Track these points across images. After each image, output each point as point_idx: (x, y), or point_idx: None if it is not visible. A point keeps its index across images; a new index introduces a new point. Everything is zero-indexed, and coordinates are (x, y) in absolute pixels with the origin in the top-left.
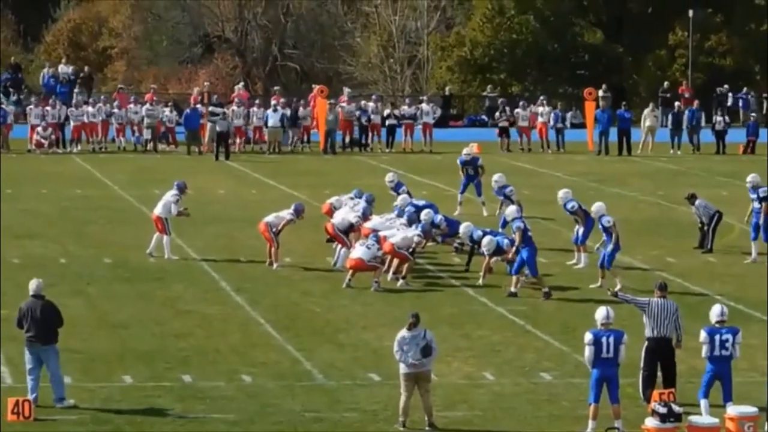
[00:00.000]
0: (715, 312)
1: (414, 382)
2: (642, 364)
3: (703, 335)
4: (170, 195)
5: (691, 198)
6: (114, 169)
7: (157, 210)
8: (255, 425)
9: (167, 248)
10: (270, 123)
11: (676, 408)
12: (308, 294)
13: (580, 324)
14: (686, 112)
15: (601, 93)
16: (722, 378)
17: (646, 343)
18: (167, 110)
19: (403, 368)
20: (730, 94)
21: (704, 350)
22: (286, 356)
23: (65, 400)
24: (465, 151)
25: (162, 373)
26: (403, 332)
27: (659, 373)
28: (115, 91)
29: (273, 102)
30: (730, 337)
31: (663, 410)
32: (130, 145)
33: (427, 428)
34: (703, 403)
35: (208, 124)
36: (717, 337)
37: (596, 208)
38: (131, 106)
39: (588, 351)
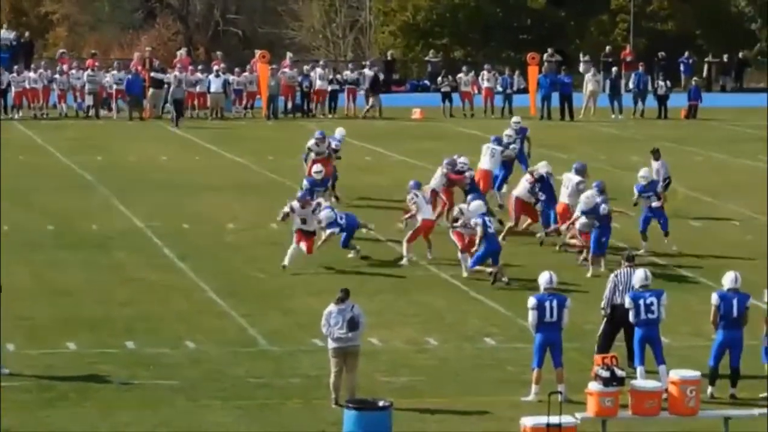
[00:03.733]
0: (638, 276)
1: (343, 358)
2: (601, 330)
3: (627, 300)
4: None
5: (656, 153)
6: (56, 136)
7: None
8: (199, 391)
9: None
10: (212, 89)
11: (619, 372)
12: (253, 261)
13: (525, 289)
14: (631, 76)
15: (546, 57)
16: (651, 341)
17: (609, 311)
18: (108, 76)
19: (330, 343)
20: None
21: (631, 315)
22: (230, 322)
23: (1, 368)
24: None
25: (106, 340)
26: (331, 307)
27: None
28: (57, 57)
29: (215, 68)
30: (654, 300)
31: (606, 374)
32: (71, 112)
33: (345, 402)
34: (639, 369)
35: (150, 90)
36: (641, 301)
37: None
38: (73, 72)
39: (531, 315)
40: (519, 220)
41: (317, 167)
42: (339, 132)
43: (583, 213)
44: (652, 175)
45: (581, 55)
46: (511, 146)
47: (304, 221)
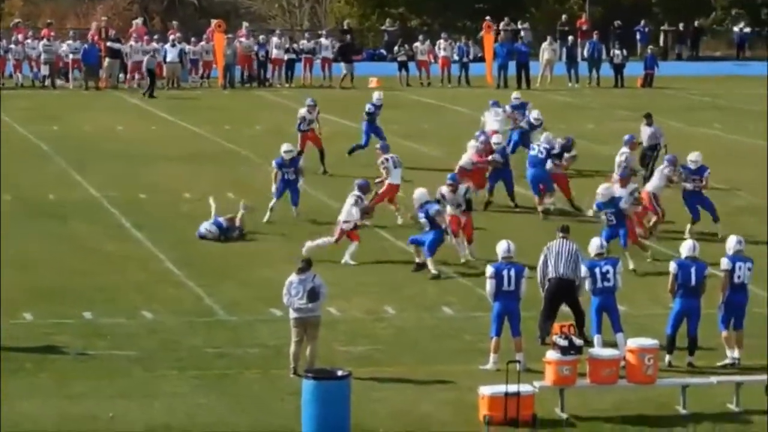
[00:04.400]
0: (594, 245)
1: (303, 328)
2: (542, 305)
3: (583, 270)
4: None
5: (648, 118)
6: (11, 106)
7: None
8: (156, 361)
9: None
10: (168, 58)
11: (577, 341)
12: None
13: (481, 258)
14: (587, 44)
15: (502, 26)
16: (608, 309)
17: (547, 285)
18: (64, 46)
19: (291, 313)
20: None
21: (587, 284)
22: (187, 292)
23: None
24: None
25: (63, 310)
26: (292, 277)
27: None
28: (12, 27)
29: (171, 37)
30: (610, 268)
31: (564, 343)
32: (27, 81)
33: (304, 372)
34: (596, 338)
35: (106, 60)
36: (597, 269)
37: None
38: (29, 41)
39: (489, 284)
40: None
41: (287, 146)
42: (376, 96)
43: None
44: (641, 138)
45: (519, 23)
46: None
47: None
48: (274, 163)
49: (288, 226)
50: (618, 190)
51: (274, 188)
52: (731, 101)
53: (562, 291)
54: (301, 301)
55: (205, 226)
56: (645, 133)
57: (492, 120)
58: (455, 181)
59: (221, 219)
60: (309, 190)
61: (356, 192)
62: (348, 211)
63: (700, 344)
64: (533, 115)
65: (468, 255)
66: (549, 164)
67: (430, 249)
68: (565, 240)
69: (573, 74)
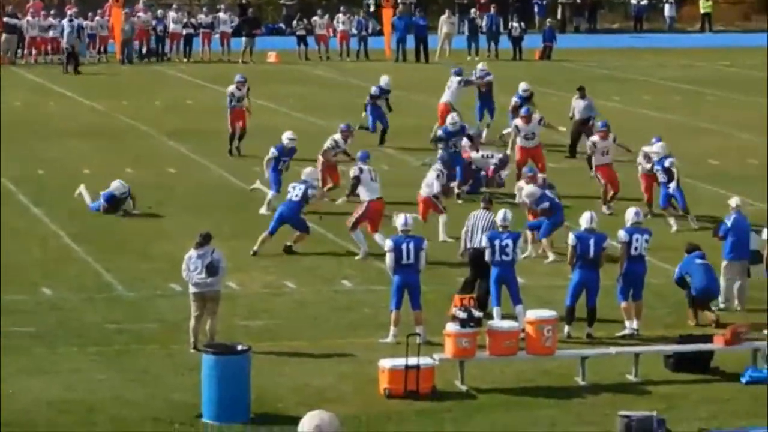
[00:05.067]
0: (498, 217)
1: (202, 302)
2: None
3: (484, 240)
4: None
5: (581, 91)
6: None
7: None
8: (57, 338)
9: None
10: (65, 34)
11: (476, 313)
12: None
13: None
14: (485, 17)
15: None
16: (507, 282)
17: (468, 256)
18: None
19: (190, 288)
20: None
21: (487, 254)
22: (86, 268)
23: None
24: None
25: None
26: (191, 251)
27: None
28: None
29: (68, 12)
30: (510, 242)
31: (463, 315)
32: None
33: (204, 346)
34: (495, 310)
35: (3, 36)
36: (498, 242)
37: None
38: None
39: (389, 258)
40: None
41: (290, 134)
42: (384, 80)
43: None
44: (573, 113)
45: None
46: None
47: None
48: (273, 149)
49: (187, 200)
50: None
51: (268, 176)
52: (629, 73)
53: (478, 261)
54: (200, 276)
55: (98, 203)
56: (579, 106)
57: (447, 92)
58: None
59: (112, 190)
60: (210, 166)
61: (438, 166)
62: (430, 185)
63: (599, 315)
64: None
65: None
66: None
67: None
68: (486, 211)
69: (473, 47)
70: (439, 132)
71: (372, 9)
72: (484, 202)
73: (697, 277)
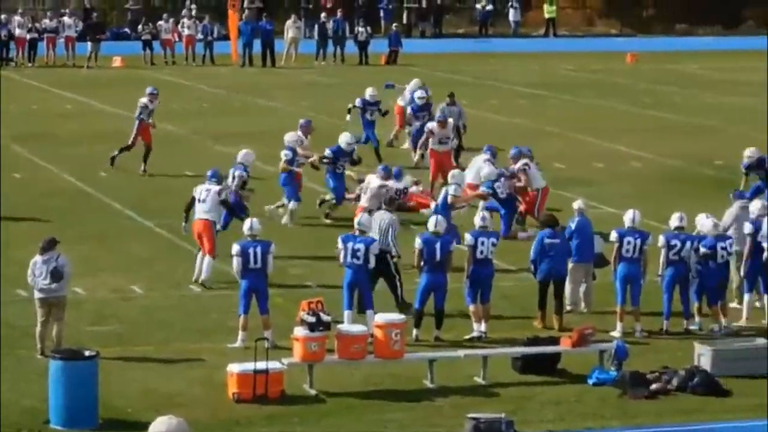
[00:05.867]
0: (355, 221)
1: (48, 308)
2: None
3: (339, 242)
4: None
5: (451, 97)
6: None
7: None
8: None
9: None
10: None
11: (325, 317)
12: None
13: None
14: (331, 22)
15: (246, 4)
16: (359, 285)
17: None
18: None
19: (36, 294)
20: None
21: (341, 257)
22: None
23: None
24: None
25: None
26: (36, 257)
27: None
28: None
29: None
30: (362, 246)
31: (312, 319)
32: None
33: (51, 352)
34: (346, 314)
35: None
36: (350, 244)
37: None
38: None
39: (236, 262)
40: None
41: (348, 138)
42: (369, 92)
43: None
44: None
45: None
46: None
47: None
48: (328, 150)
49: (33, 205)
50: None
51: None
52: (475, 78)
53: (378, 260)
54: (45, 281)
55: None
56: (449, 112)
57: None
58: None
59: None
60: (56, 171)
61: (487, 156)
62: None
63: (448, 317)
64: (417, 94)
65: None
66: None
67: None
68: (385, 212)
69: (322, 52)
70: (327, 151)
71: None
72: (385, 204)
73: (543, 259)
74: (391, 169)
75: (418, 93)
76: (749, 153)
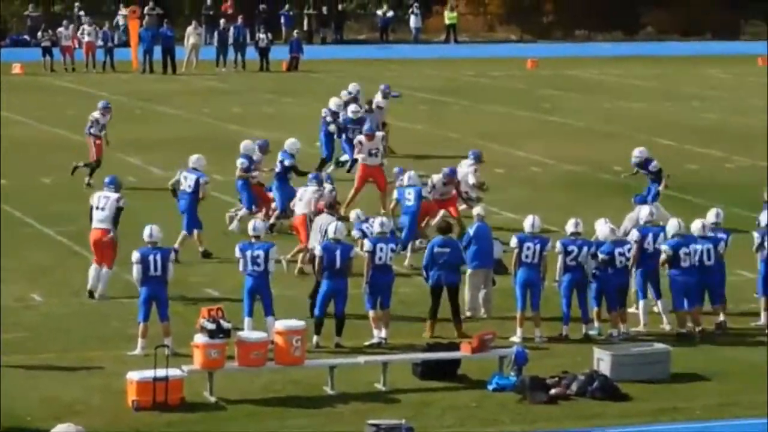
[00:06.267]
0: (250, 226)
1: None
2: None
3: (237, 250)
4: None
5: (370, 104)
6: None
7: None
8: None
9: None
10: None
11: (225, 324)
12: None
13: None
14: (231, 28)
15: (147, 10)
16: (260, 292)
17: None
18: None
19: None
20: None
21: (240, 265)
22: None
23: None
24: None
25: None
26: None
27: None
28: None
29: None
30: (261, 252)
31: (211, 326)
32: None
33: None
34: (246, 321)
35: None
36: (249, 252)
37: None
38: None
39: (136, 270)
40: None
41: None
42: (351, 108)
43: None
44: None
45: (121, 9)
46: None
47: None
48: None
49: None
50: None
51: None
52: (376, 84)
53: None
54: None
55: None
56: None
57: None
58: None
59: None
60: None
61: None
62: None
63: (347, 324)
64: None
65: None
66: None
67: None
68: (327, 215)
69: (222, 59)
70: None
71: (120, 22)
72: (327, 207)
73: (434, 266)
74: (322, 176)
75: (352, 107)
76: (637, 153)
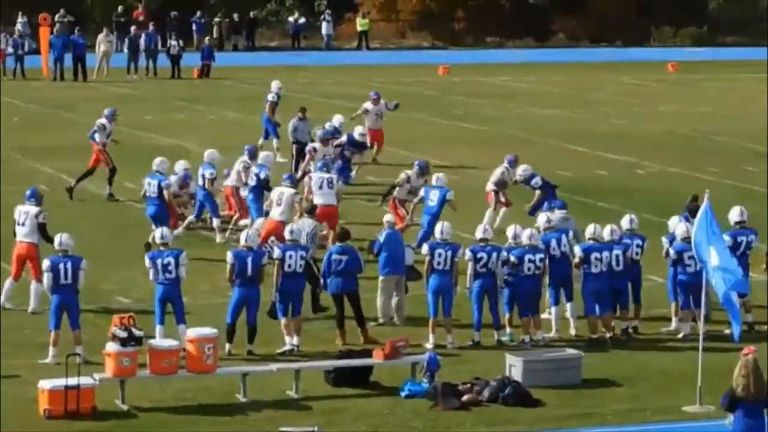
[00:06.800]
0: (157, 235)
1: None
2: None
3: (147, 260)
4: None
5: (303, 112)
6: None
7: None
8: None
9: None
10: None
11: (137, 332)
12: None
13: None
14: (143, 35)
15: (58, 18)
16: (171, 300)
17: None
18: None
19: None
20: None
21: (151, 274)
22: None
23: None
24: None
25: None
26: None
27: None
28: None
29: None
30: (171, 260)
31: (123, 334)
32: None
33: None
34: (158, 328)
35: None
36: (159, 261)
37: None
38: None
39: (46, 278)
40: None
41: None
42: (337, 120)
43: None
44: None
45: (20, 17)
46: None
47: None
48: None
49: None
50: None
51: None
52: (288, 91)
53: (307, 265)
54: None
55: None
56: (301, 127)
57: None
58: None
59: None
60: None
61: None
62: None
63: (261, 331)
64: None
65: None
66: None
67: None
68: (308, 218)
69: (133, 66)
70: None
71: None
72: (308, 213)
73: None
74: (295, 177)
75: (359, 129)
76: (521, 171)
